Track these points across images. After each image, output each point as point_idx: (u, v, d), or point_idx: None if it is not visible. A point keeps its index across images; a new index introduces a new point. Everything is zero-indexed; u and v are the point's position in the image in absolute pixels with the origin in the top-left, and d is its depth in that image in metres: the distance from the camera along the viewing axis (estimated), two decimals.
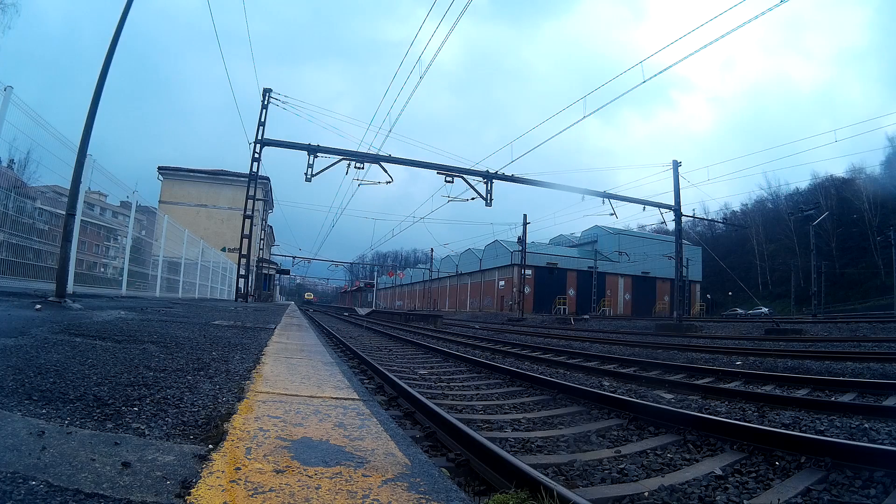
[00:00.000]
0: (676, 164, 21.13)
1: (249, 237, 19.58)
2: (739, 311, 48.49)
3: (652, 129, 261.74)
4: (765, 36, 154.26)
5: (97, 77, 7.04)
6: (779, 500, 2.23)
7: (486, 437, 2.70)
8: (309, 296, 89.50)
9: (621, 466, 2.69)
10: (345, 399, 2.49)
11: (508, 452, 2.44)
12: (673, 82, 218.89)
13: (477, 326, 22.81)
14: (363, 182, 18.06)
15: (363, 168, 17.79)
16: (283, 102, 18.24)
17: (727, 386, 5.67)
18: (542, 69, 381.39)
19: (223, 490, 1.18)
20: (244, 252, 19.65)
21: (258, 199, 23.84)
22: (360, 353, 7.24)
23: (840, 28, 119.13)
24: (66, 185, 6.99)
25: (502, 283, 54.18)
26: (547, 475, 2.16)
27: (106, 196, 14.82)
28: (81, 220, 8.50)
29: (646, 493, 2.30)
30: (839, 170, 59.27)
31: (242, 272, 20.75)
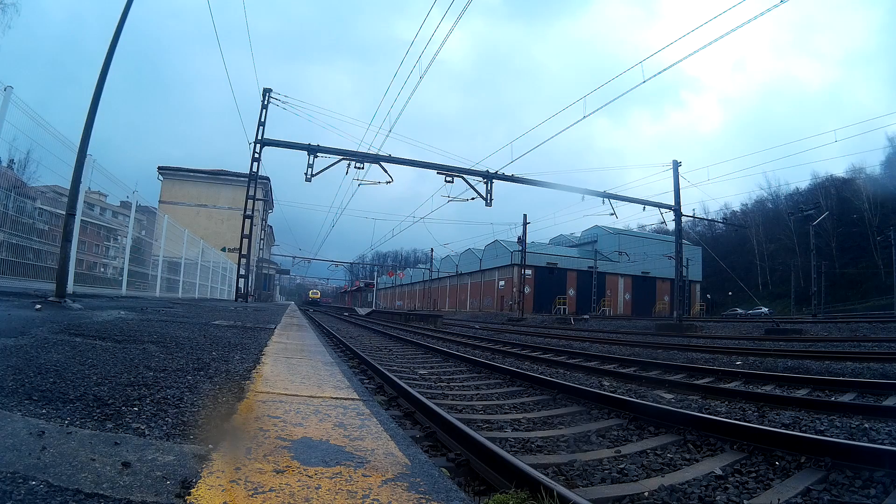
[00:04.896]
0: (676, 165, 21.13)
1: (249, 237, 19.58)
2: (739, 310, 48.48)
3: (662, 130, 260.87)
4: (775, 37, 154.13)
5: (97, 76, 7.04)
6: (779, 500, 2.23)
7: (486, 437, 2.70)
8: (314, 294, 71.33)
9: (621, 466, 2.69)
10: (345, 399, 2.49)
11: (508, 452, 2.44)
12: (683, 83, 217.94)
13: (477, 326, 22.81)
14: (363, 182, 18.08)
15: (363, 168, 17.80)
16: (283, 102, 18.27)
17: (727, 386, 5.67)
18: (553, 69, 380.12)
19: (223, 490, 1.18)
20: (244, 252, 19.65)
21: (258, 199, 23.85)
22: (360, 353, 7.24)
23: (849, 30, 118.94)
24: (66, 185, 6.99)
25: (502, 283, 54.18)
26: (547, 475, 2.16)
27: (106, 196, 14.80)
28: (81, 220, 8.51)
29: (646, 493, 2.30)
30: (839, 170, 59.32)
31: (242, 272, 20.75)
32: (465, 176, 18.95)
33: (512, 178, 19.44)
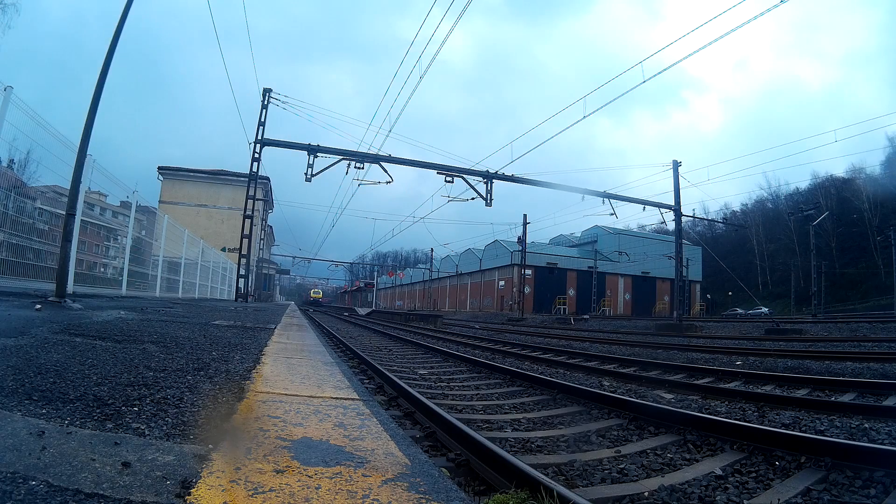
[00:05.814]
0: (676, 165, 21.13)
1: (249, 237, 19.58)
2: (739, 310, 48.47)
3: (663, 129, 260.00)
4: (776, 37, 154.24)
5: (97, 76, 7.04)
6: (779, 500, 2.22)
7: (486, 437, 2.70)
8: (316, 294, 68.40)
9: (621, 466, 2.69)
10: (345, 399, 2.49)
11: (508, 452, 2.44)
12: (685, 82, 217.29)
13: (477, 326, 22.80)
14: (363, 182, 18.08)
15: (363, 168, 17.80)
16: (283, 102, 18.27)
17: (727, 386, 5.67)
18: (554, 69, 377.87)
19: (223, 490, 1.18)
20: (244, 252, 19.65)
21: (258, 199, 23.85)
22: (360, 353, 7.24)
23: (850, 30, 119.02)
24: (66, 185, 7.00)
25: (502, 283, 54.17)
26: (547, 475, 2.16)
27: (106, 196, 14.85)
28: (81, 220, 8.51)
29: (646, 493, 2.30)
30: (839, 170, 59.35)
31: (242, 272, 20.75)
32: (465, 176, 18.95)
33: (512, 178, 19.44)
